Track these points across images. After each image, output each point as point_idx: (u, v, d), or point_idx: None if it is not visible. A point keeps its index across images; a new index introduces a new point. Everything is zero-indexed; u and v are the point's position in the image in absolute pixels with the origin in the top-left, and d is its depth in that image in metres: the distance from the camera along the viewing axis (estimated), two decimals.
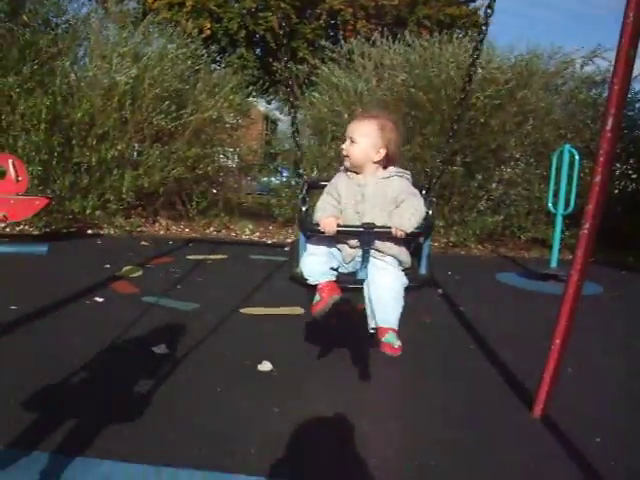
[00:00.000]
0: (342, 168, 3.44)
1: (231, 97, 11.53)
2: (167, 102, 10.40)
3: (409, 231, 3.12)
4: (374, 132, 3.26)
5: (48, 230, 9.39)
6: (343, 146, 3.34)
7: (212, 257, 8.21)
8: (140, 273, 6.90)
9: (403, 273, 3.25)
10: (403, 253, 3.31)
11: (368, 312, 3.19)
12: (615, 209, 10.71)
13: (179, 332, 4.68)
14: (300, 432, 3.17)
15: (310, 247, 3.32)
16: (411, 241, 3.37)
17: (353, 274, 3.35)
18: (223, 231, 11.23)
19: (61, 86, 9.62)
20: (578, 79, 11.32)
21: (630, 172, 12.10)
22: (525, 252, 10.80)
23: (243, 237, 11.03)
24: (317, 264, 3.25)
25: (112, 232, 10.10)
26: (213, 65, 13.35)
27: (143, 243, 9.33)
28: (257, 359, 4.15)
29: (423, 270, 3.48)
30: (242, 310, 5.46)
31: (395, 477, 2.85)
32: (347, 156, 3.31)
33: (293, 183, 11.57)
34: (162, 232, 10.70)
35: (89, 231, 9.95)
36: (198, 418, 3.28)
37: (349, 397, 3.66)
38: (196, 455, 2.89)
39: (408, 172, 3.36)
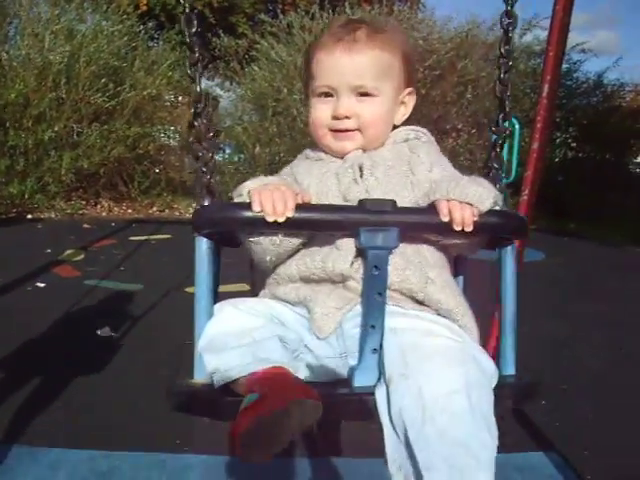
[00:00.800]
0: (303, 154, 1.70)
1: (170, 74, 11.34)
2: (104, 80, 10.14)
3: (486, 208, 1.34)
4: (397, 68, 1.59)
5: None
6: (341, 110, 1.53)
7: (156, 237, 8.10)
8: (82, 256, 6.77)
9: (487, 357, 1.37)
10: (464, 307, 1.47)
11: (389, 456, 1.23)
12: (556, 177, 10.90)
13: (123, 314, 4.61)
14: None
15: (226, 304, 1.52)
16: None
17: (337, 375, 1.43)
18: (166, 211, 11.09)
19: None
20: (517, 49, 11.44)
21: (570, 141, 12.35)
22: None
23: (187, 216, 10.89)
24: (240, 323, 1.42)
25: (53, 216, 9.88)
26: (151, 42, 13.11)
27: (85, 226, 9.15)
28: None
29: (510, 365, 1.51)
30: (187, 289, 5.39)
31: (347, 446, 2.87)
32: (357, 130, 1.56)
33: (236, 159, 11.49)
34: (104, 214, 10.51)
35: (29, 216, 9.70)
36: (145, 399, 3.24)
37: None
38: (145, 436, 2.87)
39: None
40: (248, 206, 1.32)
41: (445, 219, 1.31)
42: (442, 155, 1.63)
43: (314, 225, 1.38)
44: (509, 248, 1.48)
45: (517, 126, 7.70)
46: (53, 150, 9.90)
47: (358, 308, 1.36)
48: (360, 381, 1.35)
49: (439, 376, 1.22)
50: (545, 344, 4.36)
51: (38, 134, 9.57)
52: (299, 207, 1.31)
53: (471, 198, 1.33)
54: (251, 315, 1.43)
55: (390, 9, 11.20)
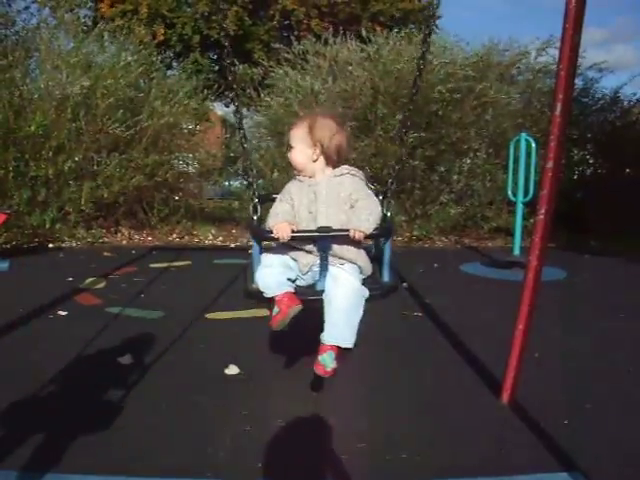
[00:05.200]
0: (295, 174, 3.44)
1: (186, 102, 11.44)
2: (121, 110, 10.24)
3: (368, 232, 3.05)
4: (304, 134, 3.28)
5: (8, 246, 9.21)
6: (288, 154, 3.37)
7: (176, 264, 8.14)
8: (103, 284, 6.81)
9: (362, 285, 3.15)
10: (362, 258, 3.22)
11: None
12: (575, 194, 10.85)
13: (144, 341, 4.62)
14: (269, 433, 3.15)
15: (264, 259, 3.23)
16: (370, 245, 3.34)
17: (312, 286, 3.27)
18: (186, 237, 11.13)
19: (12, 99, 9.43)
20: (533, 69, 11.46)
21: (588, 157, 12.28)
22: (489, 241, 10.87)
23: (206, 242, 10.94)
24: (272, 275, 3.14)
25: (74, 244, 9.95)
26: (168, 71, 13.24)
27: (106, 254, 9.22)
28: (224, 363, 4.12)
29: (386, 277, 3.35)
30: (208, 315, 5.42)
31: (367, 472, 2.84)
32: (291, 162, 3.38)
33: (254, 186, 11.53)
34: (124, 242, 10.57)
35: (50, 245, 9.77)
36: (166, 426, 3.25)
37: (318, 395, 3.65)
38: (166, 463, 2.86)
39: (360, 172, 3.35)
40: (271, 232, 3.14)
41: (351, 236, 3.04)
42: (362, 184, 3.28)
43: (299, 239, 3.17)
44: (386, 242, 3.33)
45: (533, 145, 7.69)
46: (73, 180, 9.99)
47: (318, 262, 3.18)
48: (320, 287, 3.19)
49: (339, 296, 3.07)
50: (568, 362, 4.32)
51: (58, 165, 9.68)
52: (292, 232, 3.08)
53: (362, 228, 3.05)
54: (275, 266, 3.17)
55: (408, 35, 11.26)
